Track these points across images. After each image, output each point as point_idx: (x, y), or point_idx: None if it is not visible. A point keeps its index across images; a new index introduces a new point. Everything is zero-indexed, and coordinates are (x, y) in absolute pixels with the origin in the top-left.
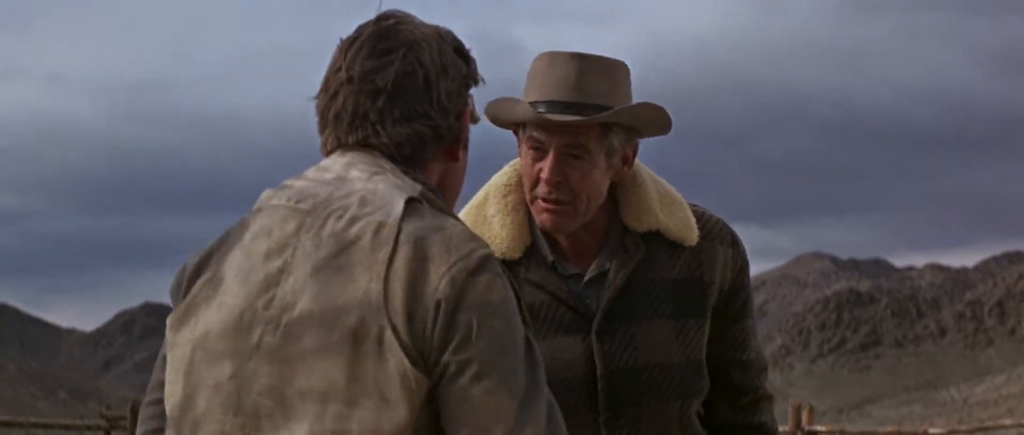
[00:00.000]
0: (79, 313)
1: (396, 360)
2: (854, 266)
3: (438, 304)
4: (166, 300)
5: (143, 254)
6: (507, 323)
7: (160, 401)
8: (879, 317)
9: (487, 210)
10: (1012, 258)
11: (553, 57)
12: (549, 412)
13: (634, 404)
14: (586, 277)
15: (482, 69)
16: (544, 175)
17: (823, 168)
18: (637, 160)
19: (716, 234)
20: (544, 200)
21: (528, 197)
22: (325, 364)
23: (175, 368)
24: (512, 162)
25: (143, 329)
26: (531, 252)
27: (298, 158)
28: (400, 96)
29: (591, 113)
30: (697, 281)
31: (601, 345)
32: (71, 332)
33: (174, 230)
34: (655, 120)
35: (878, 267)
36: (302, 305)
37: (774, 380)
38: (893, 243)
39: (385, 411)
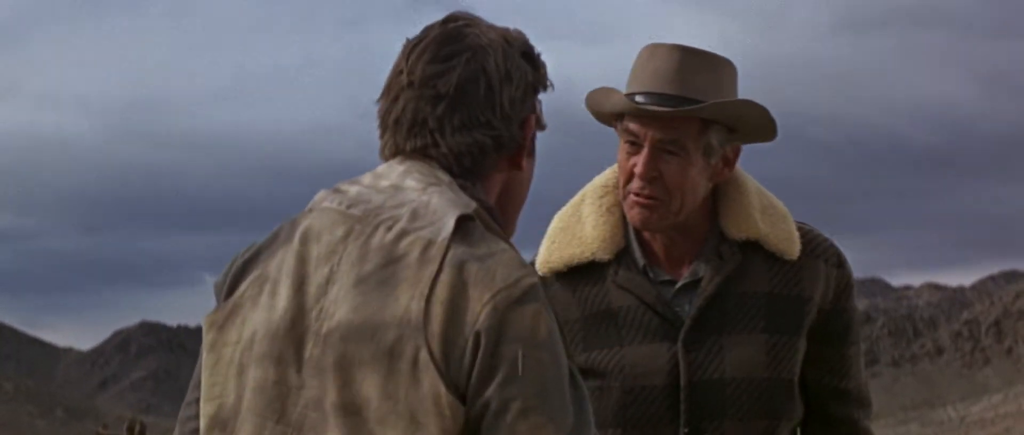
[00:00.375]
0: (76, 332)
1: (430, 383)
2: None
3: (478, 335)
4: (162, 320)
5: (139, 274)
6: (553, 357)
7: (198, 401)
8: (876, 336)
9: (582, 210)
10: (1009, 277)
11: (655, 48)
12: None
13: (717, 418)
14: (679, 284)
15: None
16: (638, 170)
17: (819, 188)
18: (742, 169)
19: (821, 252)
20: (636, 195)
21: (621, 193)
22: (360, 379)
23: (223, 371)
24: (613, 166)
25: (140, 348)
26: (623, 255)
27: (295, 177)
28: (462, 103)
29: (688, 106)
30: (794, 297)
31: (687, 354)
32: (68, 351)
33: (170, 250)
34: (756, 119)
35: (875, 286)
36: (341, 316)
37: None
38: (890, 262)
39: (415, 433)
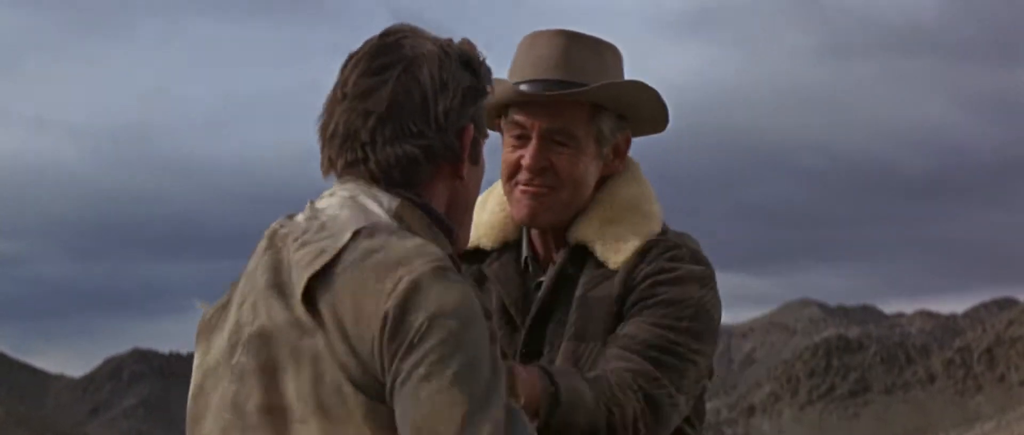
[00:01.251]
0: (67, 359)
1: (331, 377)
2: (843, 313)
3: (385, 316)
4: (154, 346)
5: (131, 301)
6: (462, 324)
7: None
8: (868, 364)
9: (489, 199)
10: (1001, 305)
11: (537, 35)
12: (512, 418)
13: (547, 430)
14: (533, 285)
15: None
16: (525, 161)
17: (809, 215)
18: (635, 163)
19: (649, 255)
20: (524, 187)
21: (507, 189)
22: (278, 381)
23: (191, 394)
24: None
25: (131, 375)
26: (508, 247)
27: (286, 203)
28: (393, 116)
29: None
30: (600, 299)
31: (525, 357)
32: (59, 378)
33: (160, 277)
34: (647, 104)
35: (867, 313)
36: (255, 325)
37: (762, 427)
38: (882, 289)
39: (331, 427)
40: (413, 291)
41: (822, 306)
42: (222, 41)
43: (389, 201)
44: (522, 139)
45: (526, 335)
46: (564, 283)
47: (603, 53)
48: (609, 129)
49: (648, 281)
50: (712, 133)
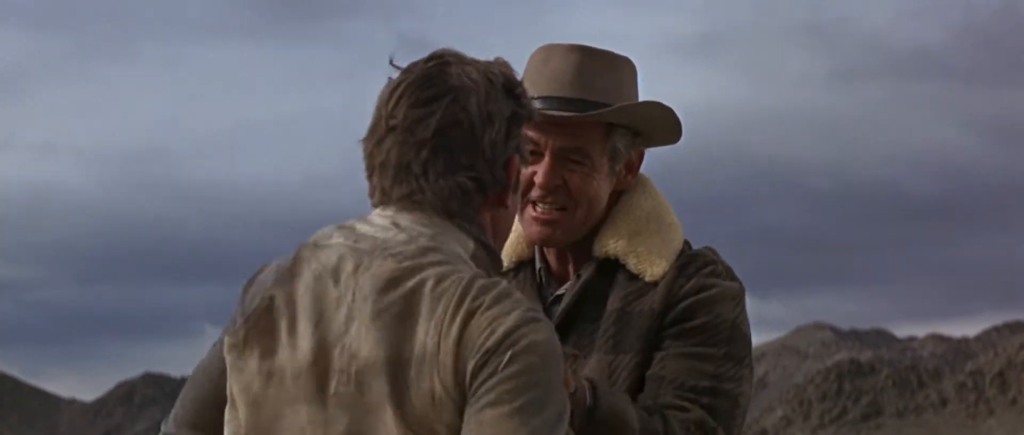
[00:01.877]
0: (79, 383)
1: (448, 414)
2: (855, 336)
3: (485, 351)
4: (166, 370)
5: (141, 324)
6: (544, 362)
7: (194, 410)
8: (880, 387)
9: None
10: (1013, 328)
11: (551, 50)
12: None
13: None
14: (550, 299)
15: None
16: (538, 179)
17: (820, 239)
18: (650, 183)
19: (686, 269)
20: (537, 206)
21: (518, 206)
22: (384, 412)
23: (241, 393)
24: None
25: (143, 400)
26: (523, 265)
27: (295, 227)
28: (444, 147)
29: (592, 110)
30: (640, 313)
31: None
32: (71, 402)
33: (170, 301)
34: (663, 122)
35: (879, 337)
36: (366, 353)
37: None
38: (894, 313)
39: None
40: (514, 332)
41: (834, 330)
42: (228, 65)
43: (464, 240)
44: (534, 155)
45: None
46: (590, 296)
47: (619, 68)
48: (623, 146)
49: (689, 301)
50: (722, 157)
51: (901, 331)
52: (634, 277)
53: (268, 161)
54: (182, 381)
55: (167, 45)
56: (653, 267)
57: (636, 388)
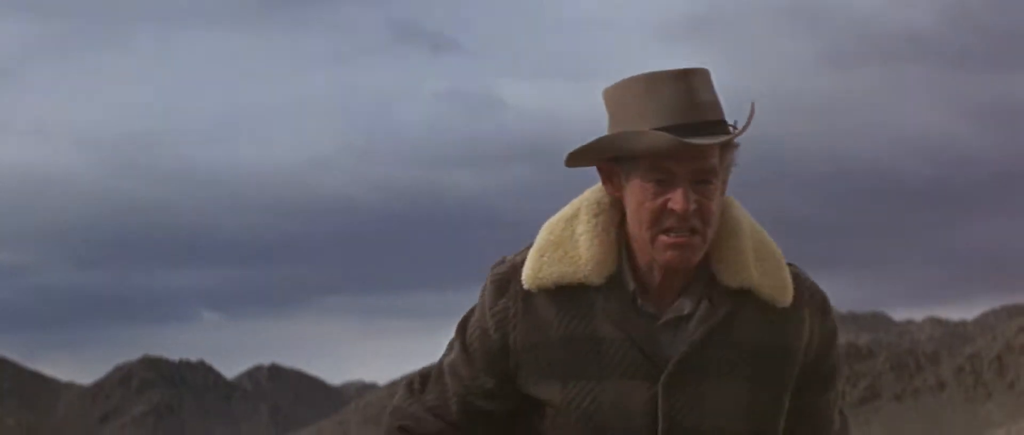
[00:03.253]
0: (77, 367)
1: None
2: (853, 319)
3: None
4: (165, 355)
5: (138, 309)
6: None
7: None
8: (878, 371)
9: (576, 227)
10: (1011, 312)
11: (652, 79)
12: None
13: None
14: (662, 319)
15: (465, 122)
16: (678, 206)
17: (817, 223)
18: (737, 203)
19: (808, 300)
20: (677, 232)
21: (647, 235)
22: None
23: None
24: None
25: (141, 383)
26: (613, 280)
27: (288, 211)
28: None
29: (722, 130)
30: (781, 348)
31: (667, 399)
32: (69, 386)
33: (165, 285)
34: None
35: (877, 321)
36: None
37: None
38: (892, 297)
39: None
40: None
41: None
42: (222, 50)
43: None
44: (664, 184)
45: (671, 375)
46: (721, 324)
47: (712, 82)
48: (732, 157)
49: (824, 342)
50: None
51: (899, 315)
52: (763, 305)
53: (263, 146)
54: (181, 364)
55: (160, 30)
56: (783, 295)
57: (777, 422)
